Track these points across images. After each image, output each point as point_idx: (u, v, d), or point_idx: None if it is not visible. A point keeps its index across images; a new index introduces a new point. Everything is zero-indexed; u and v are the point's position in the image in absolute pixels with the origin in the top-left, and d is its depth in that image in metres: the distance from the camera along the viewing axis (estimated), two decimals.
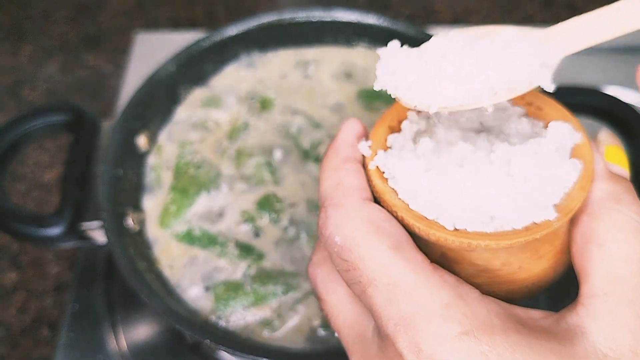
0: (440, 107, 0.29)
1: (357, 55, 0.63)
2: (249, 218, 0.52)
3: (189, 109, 0.60)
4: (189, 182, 0.54)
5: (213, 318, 0.48)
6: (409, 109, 0.33)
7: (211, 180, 0.54)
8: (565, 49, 0.29)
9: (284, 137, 0.57)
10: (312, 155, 0.56)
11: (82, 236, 0.49)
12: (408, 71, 0.30)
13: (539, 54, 0.28)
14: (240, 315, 0.48)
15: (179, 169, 0.55)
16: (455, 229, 0.27)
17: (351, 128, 0.32)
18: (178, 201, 0.53)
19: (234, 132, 0.58)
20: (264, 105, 0.60)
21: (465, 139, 0.31)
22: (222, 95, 0.60)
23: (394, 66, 0.32)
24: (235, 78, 0.62)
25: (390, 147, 0.32)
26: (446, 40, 0.30)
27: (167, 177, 0.55)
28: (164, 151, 0.57)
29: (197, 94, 0.60)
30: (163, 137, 0.58)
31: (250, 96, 0.60)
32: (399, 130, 0.33)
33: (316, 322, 0.47)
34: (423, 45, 0.32)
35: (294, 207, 0.53)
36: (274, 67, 0.62)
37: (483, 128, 0.33)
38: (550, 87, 0.28)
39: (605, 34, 0.28)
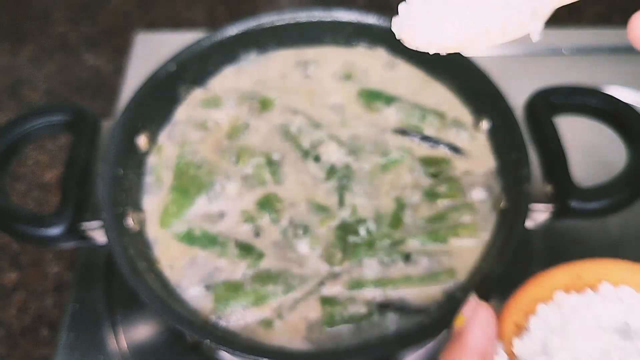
0: (439, 48, 0.30)
1: (357, 55, 0.63)
2: (249, 218, 0.52)
3: (189, 109, 0.60)
4: (189, 182, 0.54)
5: (213, 318, 0.48)
6: (535, 301, 0.31)
7: (211, 180, 0.54)
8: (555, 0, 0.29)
9: (284, 137, 0.57)
10: (312, 155, 0.56)
11: (82, 236, 0.49)
12: (413, 15, 0.31)
13: (532, 1, 0.29)
14: (240, 315, 0.48)
15: (179, 169, 0.55)
16: None
17: (484, 325, 0.29)
18: (178, 201, 0.53)
19: (234, 132, 0.58)
20: (264, 105, 0.60)
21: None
22: (222, 95, 0.60)
23: (405, 12, 0.32)
24: (235, 78, 0.62)
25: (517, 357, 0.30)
26: None
27: (167, 177, 0.55)
28: (164, 151, 0.57)
29: (197, 94, 0.60)
30: (163, 137, 0.58)
31: (250, 96, 0.60)
32: (524, 325, 0.30)
33: (316, 322, 0.47)
34: None
35: (294, 207, 0.53)
36: (274, 67, 0.62)
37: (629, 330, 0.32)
38: (537, 37, 0.29)
39: None
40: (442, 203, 0.53)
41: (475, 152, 0.56)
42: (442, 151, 0.56)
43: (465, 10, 0.29)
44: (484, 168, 0.55)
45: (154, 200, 0.54)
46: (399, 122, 0.58)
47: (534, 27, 0.28)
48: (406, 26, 0.31)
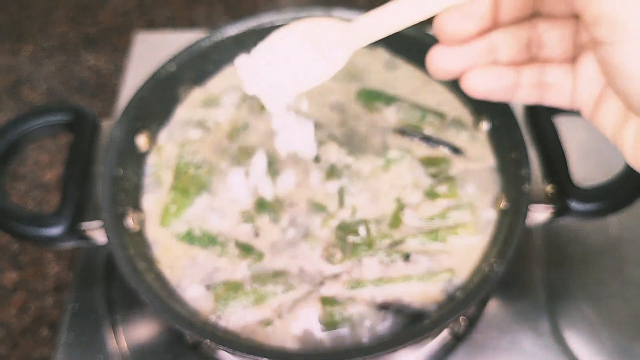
0: (273, 95, 0.38)
1: (357, 54, 0.62)
2: (248, 218, 0.52)
3: (189, 109, 0.60)
4: (189, 182, 0.54)
5: (213, 318, 0.48)
6: None
7: (211, 180, 0.54)
8: (361, 42, 0.36)
9: None
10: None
11: (82, 236, 0.49)
12: (252, 68, 0.39)
13: (342, 45, 0.36)
14: (240, 315, 0.48)
15: (179, 169, 0.55)
16: None
17: None
18: (178, 201, 0.53)
19: (234, 132, 0.58)
20: (264, 105, 0.59)
21: None
22: (222, 95, 0.60)
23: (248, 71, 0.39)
24: (235, 78, 0.61)
25: None
26: (281, 37, 0.38)
27: (167, 177, 0.55)
28: (164, 151, 0.57)
29: (197, 94, 0.60)
30: (163, 137, 0.58)
31: (250, 96, 0.60)
32: None
33: (316, 322, 0.47)
34: (267, 41, 0.38)
35: (293, 207, 0.53)
36: None
37: None
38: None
39: (391, 27, 0.34)
40: (441, 203, 0.53)
41: (475, 152, 0.56)
42: (442, 151, 0.56)
43: (288, 70, 0.37)
44: (483, 168, 0.55)
45: (153, 200, 0.54)
46: (399, 122, 0.58)
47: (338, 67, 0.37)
48: (247, 76, 0.39)
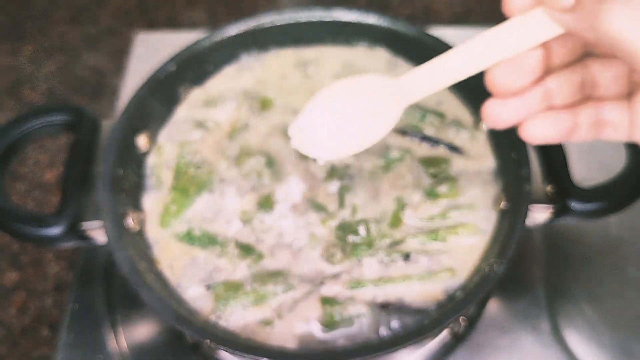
0: (326, 160, 0.40)
1: (357, 55, 0.63)
2: (249, 218, 0.52)
3: (189, 109, 0.59)
4: (189, 182, 0.54)
5: (213, 318, 0.48)
6: None
7: (211, 180, 0.54)
8: (410, 99, 0.37)
9: (284, 137, 0.57)
10: None
11: (82, 236, 0.49)
12: (305, 134, 0.40)
13: (392, 103, 0.37)
14: (240, 315, 0.48)
15: (179, 169, 0.55)
16: None
17: None
18: (178, 201, 0.53)
19: (234, 132, 0.58)
20: (264, 105, 0.60)
21: None
22: (222, 95, 0.60)
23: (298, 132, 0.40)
24: (235, 78, 0.61)
25: None
26: (324, 100, 0.39)
27: (167, 177, 0.55)
28: (164, 151, 0.57)
29: (197, 94, 0.60)
30: (163, 137, 0.58)
31: (250, 96, 0.60)
32: None
33: (316, 322, 0.47)
34: (317, 102, 0.39)
35: (294, 207, 0.53)
36: (274, 67, 0.62)
37: None
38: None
39: (440, 83, 0.35)
40: (442, 203, 0.53)
41: (475, 152, 0.56)
42: (442, 151, 0.56)
43: (340, 131, 0.38)
44: (484, 168, 0.55)
45: (153, 200, 0.54)
46: (399, 122, 0.58)
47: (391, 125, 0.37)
48: (301, 143, 0.39)
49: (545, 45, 0.32)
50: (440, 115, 0.58)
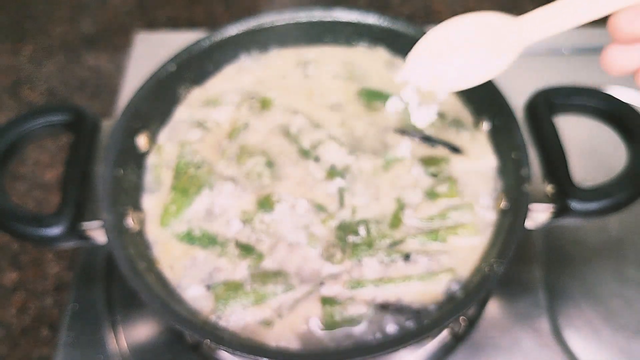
0: (440, 89, 0.39)
1: (357, 54, 0.63)
2: (249, 218, 0.52)
3: (189, 109, 0.59)
4: (189, 181, 0.54)
5: (213, 318, 0.48)
6: None
7: (211, 180, 0.54)
8: (529, 39, 0.35)
9: (284, 137, 0.57)
10: (312, 155, 0.56)
11: (82, 236, 0.49)
12: (419, 65, 0.39)
13: (511, 42, 0.36)
14: (240, 315, 0.48)
15: (179, 169, 0.55)
16: None
17: None
18: (178, 201, 0.53)
19: (234, 132, 0.58)
20: (264, 105, 0.60)
21: None
22: (222, 95, 0.60)
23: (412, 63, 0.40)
24: (235, 78, 0.61)
25: None
26: (443, 32, 0.38)
27: (167, 177, 0.55)
28: (164, 151, 0.57)
29: (197, 94, 0.60)
30: (163, 137, 0.58)
31: (250, 96, 0.60)
32: None
33: (315, 321, 0.47)
34: (429, 35, 0.39)
35: (294, 207, 0.53)
36: (274, 67, 0.62)
37: None
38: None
39: (561, 25, 0.34)
40: (442, 203, 0.53)
41: (476, 152, 0.56)
42: (442, 151, 0.56)
43: (456, 64, 0.37)
44: (484, 168, 0.55)
45: (154, 200, 0.54)
46: (399, 121, 0.58)
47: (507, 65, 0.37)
48: (414, 72, 0.39)
49: None
50: (441, 115, 0.58)
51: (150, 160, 0.56)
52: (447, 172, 0.54)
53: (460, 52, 0.37)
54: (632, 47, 0.33)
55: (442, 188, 0.53)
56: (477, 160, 0.55)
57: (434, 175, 0.54)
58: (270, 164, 0.55)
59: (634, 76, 0.34)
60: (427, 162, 0.55)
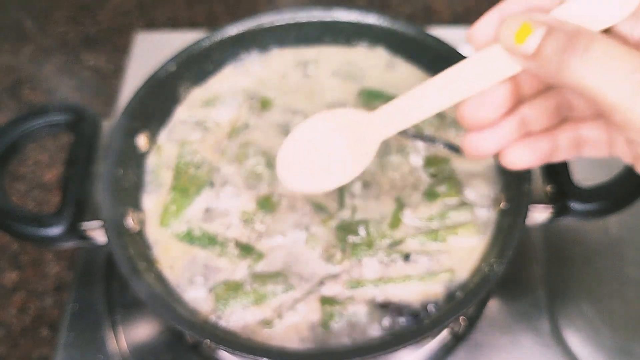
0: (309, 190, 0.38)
1: (357, 54, 0.63)
2: (249, 218, 0.52)
3: (189, 109, 0.60)
4: (189, 181, 0.54)
5: (213, 318, 0.48)
6: None
7: (211, 180, 0.54)
8: (383, 134, 0.36)
9: (284, 137, 0.57)
10: None
11: (82, 236, 0.49)
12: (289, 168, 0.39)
13: (367, 138, 0.37)
14: (240, 315, 0.48)
15: (179, 169, 0.55)
16: None
17: None
18: (178, 201, 0.53)
19: (234, 132, 0.58)
20: (264, 105, 0.60)
21: None
22: (222, 95, 0.60)
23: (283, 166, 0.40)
24: (235, 78, 0.62)
25: None
26: (307, 130, 0.38)
27: (167, 177, 0.55)
28: (164, 151, 0.57)
29: (197, 94, 0.60)
30: (163, 137, 0.58)
31: (250, 96, 0.60)
32: None
33: (315, 321, 0.47)
34: (294, 134, 0.39)
35: (294, 207, 0.53)
36: (274, 67, 0.62)
37: None
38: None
39: (412, 118, 0.35)
40: (441, 202, 0.53)
41: None
42: (441, 151, 0.56)
43: (322, 164, 0.38)
44: (483, 167, 0.55)
45: (154, 200, 0.54)
46: None
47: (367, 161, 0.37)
48: (285, 175, 0.39)
49: (514, 78, 0.32)
50: (440, 115, 0.58)
51: (150, 160, 0.56)
52: (446, 172, 0.54)
53: (324, 151, 0.37)
54: (487, 132, 0.33)
55: (442, 188, 0.53)
56: (477, 160, 0.55)
57: (434, 175, 0.54)
58: (270, 164, 0.55)
59: (498, 157, 0.34)
60: (427, 162, 0.55)
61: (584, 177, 0.51)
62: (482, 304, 0.58)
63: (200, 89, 0.61)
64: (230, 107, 0.59)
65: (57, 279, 0.68)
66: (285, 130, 0.58)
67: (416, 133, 0.57)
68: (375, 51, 0.63)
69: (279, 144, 0.56)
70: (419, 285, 0.48)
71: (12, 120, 0.52)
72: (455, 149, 0.56)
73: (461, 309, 0.44)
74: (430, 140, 0.57)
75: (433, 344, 0.56)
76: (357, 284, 0.49)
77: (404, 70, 0.61)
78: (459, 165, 0.55)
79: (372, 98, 0.59)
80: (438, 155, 0.56)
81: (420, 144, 0.56)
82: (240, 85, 0.61)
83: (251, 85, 0.61)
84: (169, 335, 0.57)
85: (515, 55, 0.30)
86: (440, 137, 0.57)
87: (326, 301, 0.48)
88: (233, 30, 0.59)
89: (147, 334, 0.57)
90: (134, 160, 0.54)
